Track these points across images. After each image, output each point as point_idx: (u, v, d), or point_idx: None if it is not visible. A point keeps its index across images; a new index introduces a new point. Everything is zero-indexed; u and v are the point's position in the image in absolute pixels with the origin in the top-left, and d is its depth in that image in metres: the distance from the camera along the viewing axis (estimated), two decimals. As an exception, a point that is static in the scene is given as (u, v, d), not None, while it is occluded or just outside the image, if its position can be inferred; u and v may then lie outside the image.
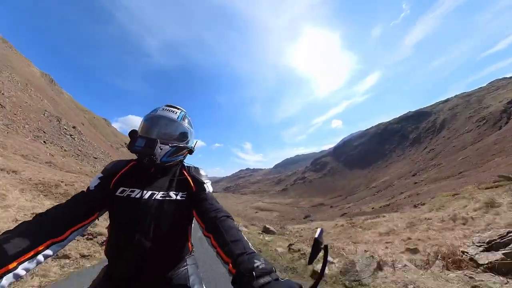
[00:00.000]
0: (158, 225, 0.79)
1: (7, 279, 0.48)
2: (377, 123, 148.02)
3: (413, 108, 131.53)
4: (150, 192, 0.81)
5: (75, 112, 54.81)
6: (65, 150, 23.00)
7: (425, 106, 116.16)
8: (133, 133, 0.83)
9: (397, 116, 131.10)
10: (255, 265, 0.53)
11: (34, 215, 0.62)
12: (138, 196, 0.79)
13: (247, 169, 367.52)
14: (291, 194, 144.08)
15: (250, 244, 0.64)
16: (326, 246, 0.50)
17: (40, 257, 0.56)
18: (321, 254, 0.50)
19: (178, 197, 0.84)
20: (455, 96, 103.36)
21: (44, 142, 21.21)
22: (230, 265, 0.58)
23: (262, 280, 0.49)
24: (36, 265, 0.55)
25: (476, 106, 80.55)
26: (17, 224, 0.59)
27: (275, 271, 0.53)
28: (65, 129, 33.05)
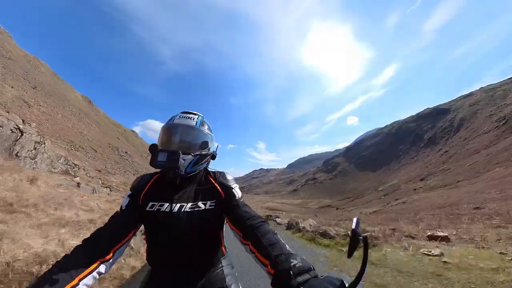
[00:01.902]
0: (191, 235, 0.82)
1: None
2: (392, 122, 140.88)
3: (435, 102, 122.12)
4: (179, 205, 0.82)
5: (111, 128, 61.20)
6: (133, 174, 27.25)
7: (444, 102, 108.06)
8: (153, 148, 0.81)
9: (414, 113, 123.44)
10: (292, 263, 0.53)
11: (84, 238, 0.71)
12: (167, 210, 0.81)
13: (261, 169, 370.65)
14: (301, 195, 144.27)
15: (287, 246, 0.64)
16: (365, 238, 0.46)
17: (95, 274, 0.64)
18: (361, 246, 0.47)
19: (207, 206, 0.85)
20: (479, 89, 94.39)
21: (124, 172, 25.03)
22: (269, 266, 0.59)
23: (301, 278, 0.49)
24: (94, 281, 0.64)
25: (499, 102, 73.57)
26: (73, 248, 0.67)
27: (314, 269, 0.52)
28: (122, 155, 38.61)
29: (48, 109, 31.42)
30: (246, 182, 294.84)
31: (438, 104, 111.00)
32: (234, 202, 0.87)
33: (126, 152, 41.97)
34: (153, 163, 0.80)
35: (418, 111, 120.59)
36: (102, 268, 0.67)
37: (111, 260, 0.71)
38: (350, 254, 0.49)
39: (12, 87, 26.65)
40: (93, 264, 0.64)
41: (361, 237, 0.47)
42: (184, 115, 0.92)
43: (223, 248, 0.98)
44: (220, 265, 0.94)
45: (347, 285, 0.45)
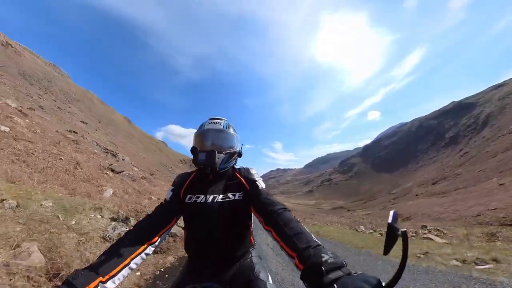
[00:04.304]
0: (223, 223, 0.95)
1: (125, 271, 0.70)
2: (412, 119, 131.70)
3: (465, 93, 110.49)
4: (212, 196, 0.97)
5: (148, 142, 64.39)
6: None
7: (470, 95, 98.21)
8: (194, 150, 0.97)
9: (436, 109, 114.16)
10: (323, 259, 0.51)
11: (135, 224, 0.87)
12: (202, 200, 0.96)
13: (278, 169, 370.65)
14: (315, 196, 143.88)
15: (313, 236, 0.64)
16: (404, 233, 0.42)
17: (143, 255, 0.78)
18: (399, 242, 0.43)
19: (236, 197, 0.98)
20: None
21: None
22: (296, 259, 0.60)
23: (333, 275, 0.47)
24: (142, 261, 0.78)
25: (533, 95, 65.53)
26: (125, 232, 0.82)
27: (346, 265, 0.51)
28: (170, 170, 43.00)
29: (116, 141, 32.69)
30: (263, 182, 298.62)
31: (464, 97, 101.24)
32: (257, 192, 0.98)
33: (171, 167, 46.60)
34: (195, 161, 0.97)
35: (441, 106, 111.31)
36: (149, 250, 0.81)
37: (156, 243, 0.86)
38: (386, 251, 0.45)
39: (96, 130, 28.83)
40: (142, 246, 0.78)
41: (399, 232, 0.43)
42: (212, 121, 1.08)
43: (252, 238, 1.11)
44: (250, 255, 1.06)
45: (383, 284, 0.41)
